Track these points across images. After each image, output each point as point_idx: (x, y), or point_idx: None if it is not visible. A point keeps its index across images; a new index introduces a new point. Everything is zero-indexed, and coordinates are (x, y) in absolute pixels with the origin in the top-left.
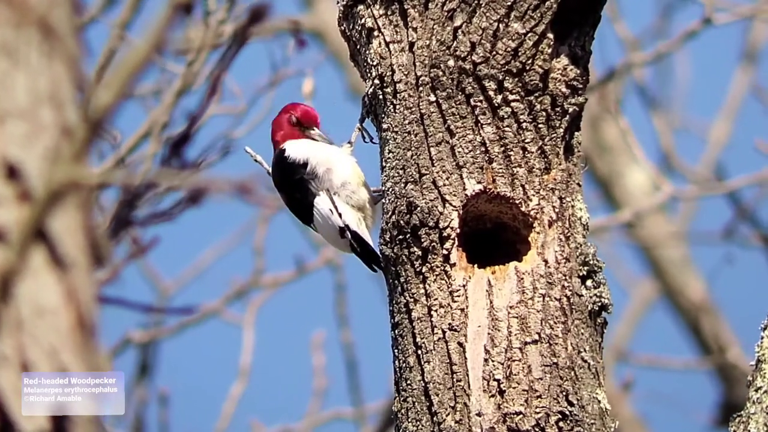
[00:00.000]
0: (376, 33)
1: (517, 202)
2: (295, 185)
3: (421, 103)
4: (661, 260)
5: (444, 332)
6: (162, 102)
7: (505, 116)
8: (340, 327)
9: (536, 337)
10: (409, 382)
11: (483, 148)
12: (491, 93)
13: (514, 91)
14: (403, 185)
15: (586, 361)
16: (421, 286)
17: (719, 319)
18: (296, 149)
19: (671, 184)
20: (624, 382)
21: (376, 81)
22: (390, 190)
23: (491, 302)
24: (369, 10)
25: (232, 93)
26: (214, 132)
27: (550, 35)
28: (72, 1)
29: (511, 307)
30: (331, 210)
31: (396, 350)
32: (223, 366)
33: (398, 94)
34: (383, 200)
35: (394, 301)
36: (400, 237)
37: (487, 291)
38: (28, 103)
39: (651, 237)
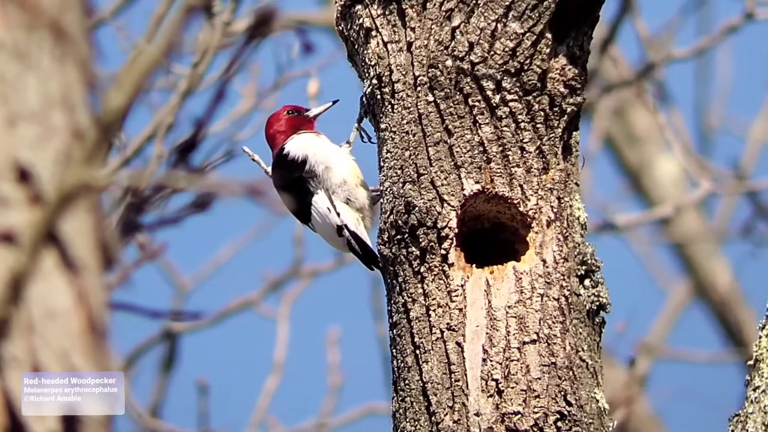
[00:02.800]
0: (374, 33)
1: (515, 201)
2: (294, 183)
3: (419, 103)
4: (694, 255)
5: (442, 332)
6: (167, 103)
7: (503, 116)
8: (375, 320)
9: (534, 336)
10: (407, 381)
11: (481, 148)
12: (489, 93)
13: (512, 90)
14: (401, 185)
15: (584, 361)
16: (419, 285)
17: (746, 312)
18: (295, 147)
19: (705, 181)
20: (629, 359)
21: (374, 81)
22: (388, 189)
23: (489, 302)
24: (367, 10)
25: (238, 94)
26: (220, 134)
27: (549, 35)
28: (83, 4)
29: (509, 307)
30: (329, 208)
31: (394, 350)
32: (258, 359)
33: (396, 94)
34: (381, 200)
35: (392, 301)
36: (398, 237)
37: (485, 291)
38: (40, 106)
39: (684, 234)
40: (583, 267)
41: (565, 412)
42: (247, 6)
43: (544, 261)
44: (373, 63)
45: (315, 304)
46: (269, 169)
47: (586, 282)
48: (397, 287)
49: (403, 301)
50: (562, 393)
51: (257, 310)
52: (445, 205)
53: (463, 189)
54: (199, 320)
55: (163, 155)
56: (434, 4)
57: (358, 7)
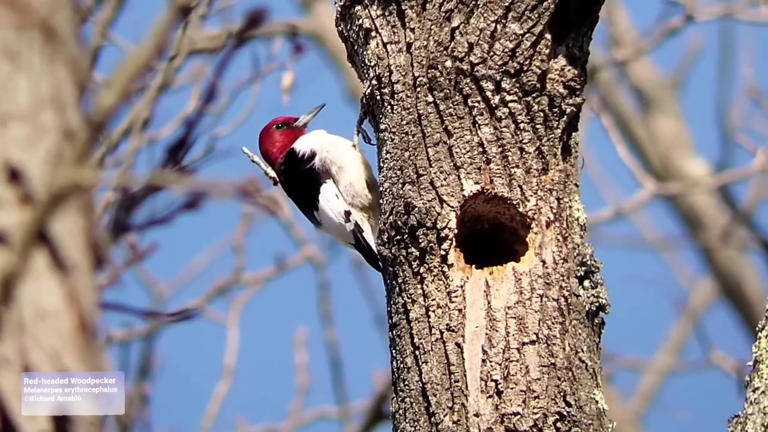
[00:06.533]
0: (373, 34)
1: (514, 202)
2: (304, 175)
3: (418, 104)
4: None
5: (442, 333)
6: (143, 97)
7: (503, 117)
8: (323, 325)
9: (534, 337)
10: (406, 382)
11: (481, 149)
12: (489, 93)
13: (511, 91)
14: (400, 186)
15: (583, 362)
16: (418, 286)
17: None
18: (304, 143)
19: (655, 182)
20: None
21: (374, 82)
22: (388, 190)
23: (489, 303)
24: (366, 10)
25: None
26: (199, 130)
27: (548, 36)
28: (74, 4)
29: (508, 308)
30: (336, 195)
31: (394, 351)
32: (208, 365)
33: (396, 95)
34: (381, 200)
35: (392, 302)
36: (398, 238)
37: (484, 291)
38: (30, 106)
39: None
40: (583, 268)
41: (565, 413)
42: (227, 2)
43: (544, 262)
44: (372, 64)
45: (264, 309)
46: (270, 170)
47: (586, 283)
48: (397, 288)
49: (402, 301)
50: (562, 394)
51: (206, 315)
52: (445, 205)
53: (462, 190)
54: (191, 319)
55: (140, 149)
56: (434, 5)
57: (358, 7)
